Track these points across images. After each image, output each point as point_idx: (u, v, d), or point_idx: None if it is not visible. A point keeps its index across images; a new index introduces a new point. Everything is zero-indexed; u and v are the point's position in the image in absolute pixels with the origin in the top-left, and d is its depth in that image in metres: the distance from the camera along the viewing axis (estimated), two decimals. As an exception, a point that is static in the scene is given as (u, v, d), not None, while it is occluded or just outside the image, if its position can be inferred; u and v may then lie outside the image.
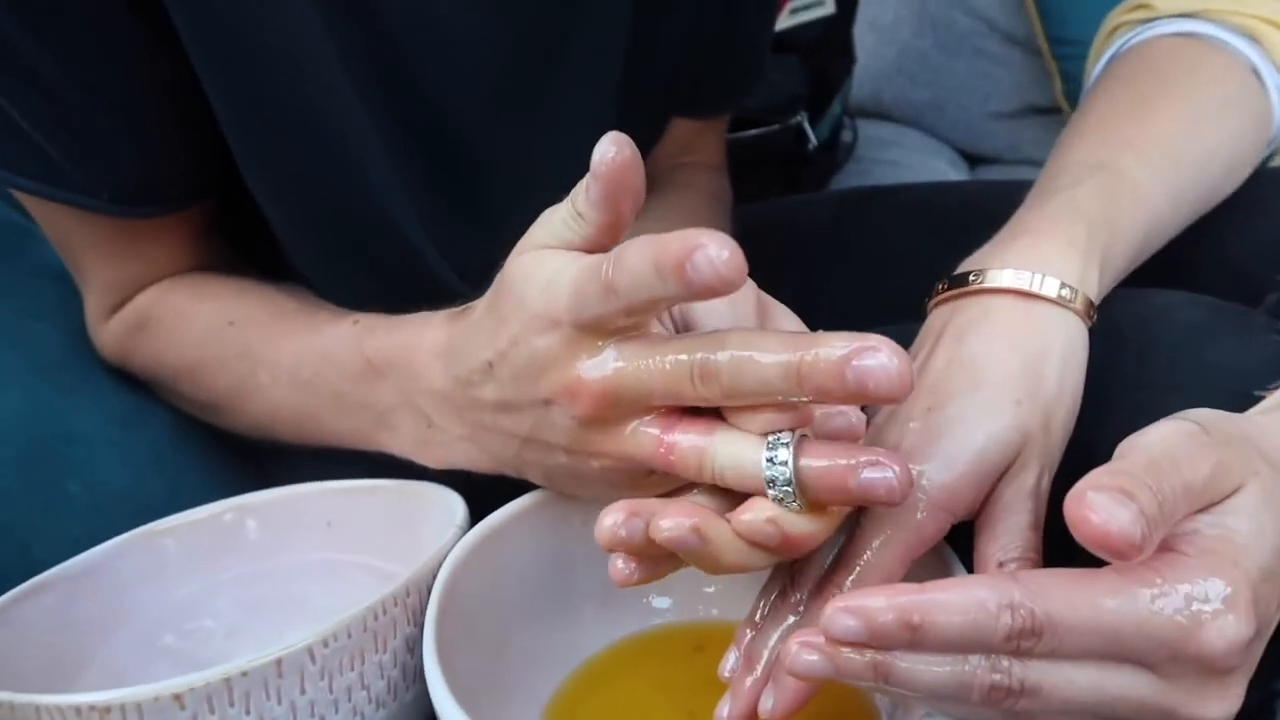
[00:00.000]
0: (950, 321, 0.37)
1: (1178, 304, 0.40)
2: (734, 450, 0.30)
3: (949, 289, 0.39)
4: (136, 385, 0.55)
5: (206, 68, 0.44)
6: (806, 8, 0.94)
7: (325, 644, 0.32)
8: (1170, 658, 0.26)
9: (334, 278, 0.51)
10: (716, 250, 0.27)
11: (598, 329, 0.32)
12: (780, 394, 0.29)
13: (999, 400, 0.34)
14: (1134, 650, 0.26)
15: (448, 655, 0.33)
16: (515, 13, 0.48)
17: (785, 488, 0.30)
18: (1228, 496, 0.27)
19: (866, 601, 0.26)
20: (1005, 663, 0.26)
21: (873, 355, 0.27)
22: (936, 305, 0.39)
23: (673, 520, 0.29)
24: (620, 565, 0.31)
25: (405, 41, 0.46)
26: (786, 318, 0.37)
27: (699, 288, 0.28)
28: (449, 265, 0.51)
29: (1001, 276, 0.37)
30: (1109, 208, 0.39)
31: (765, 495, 0.30)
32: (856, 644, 0.26)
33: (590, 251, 0.33)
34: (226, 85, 0.44)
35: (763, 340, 0.29)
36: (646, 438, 0.32)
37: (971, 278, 0.38)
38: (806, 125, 0.95)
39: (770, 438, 0.30)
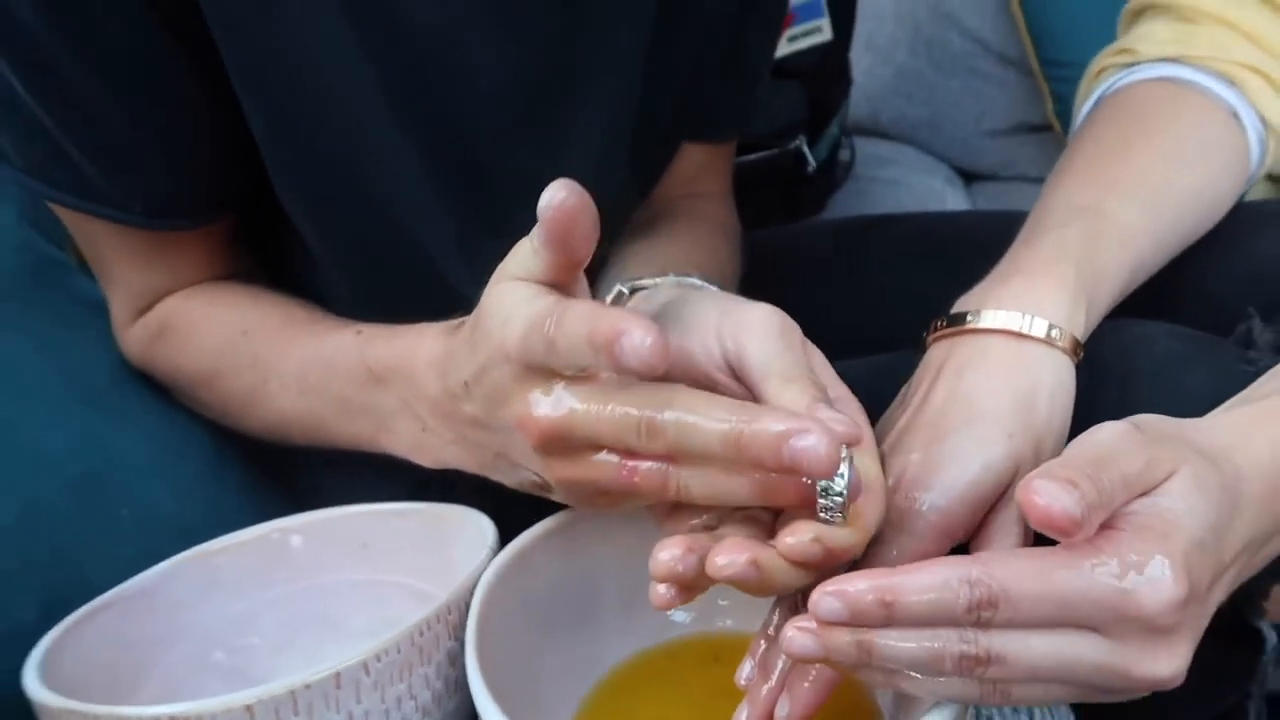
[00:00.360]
0: (949, 358, 0.40)
1: (1157, 335, 0.44)
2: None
3: (947, 327, 0.42)
4: (175, 412, 0.58)
5: (247, 91, 0.47)
6: (805, 35, 0.97)
7: (378, 658, 0.35)
8: (1115, 619, 0.29)
9: (363, 288, 0.54)
10: (640, 338, 0.31)
11: (547, 372, 0.34)
12: (720, 458, 0.32)
13: (993, 434, 0.38)
14: (1082, 614, 0.29)
15: (488, 666, 0.36)
16: (536, 40, 0.50)
17: (837, 499, 0.33)
18: (1161, 483, 0.31)
19: (847, 585, 0.29)
20: (971, 634, 0.29)
21: (805, 438, 0.30)
22: (935, 340, 0.42)
23: (728, 557, 0.32)
24: (663, 592, 0.33)
25: (434, 68, 0.49)
26: (820, 362, 0.39)
27: (624, 368, 0.31)
28: (472, 279, 0.54)
29: (995, 318, 0.40)
30: (1095, 250, 0.43)
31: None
32: (841, 624, 0.30)
33: (551, 285, 0.35)
34: (266, 108, 0.47)
35: (708, 407, 0.32)
36: (607, 464, 0.34)
37: (969, 317, 0.41)
38: (805, 148, 0.98)
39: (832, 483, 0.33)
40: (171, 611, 0.47)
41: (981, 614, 0.29)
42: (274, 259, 0.58)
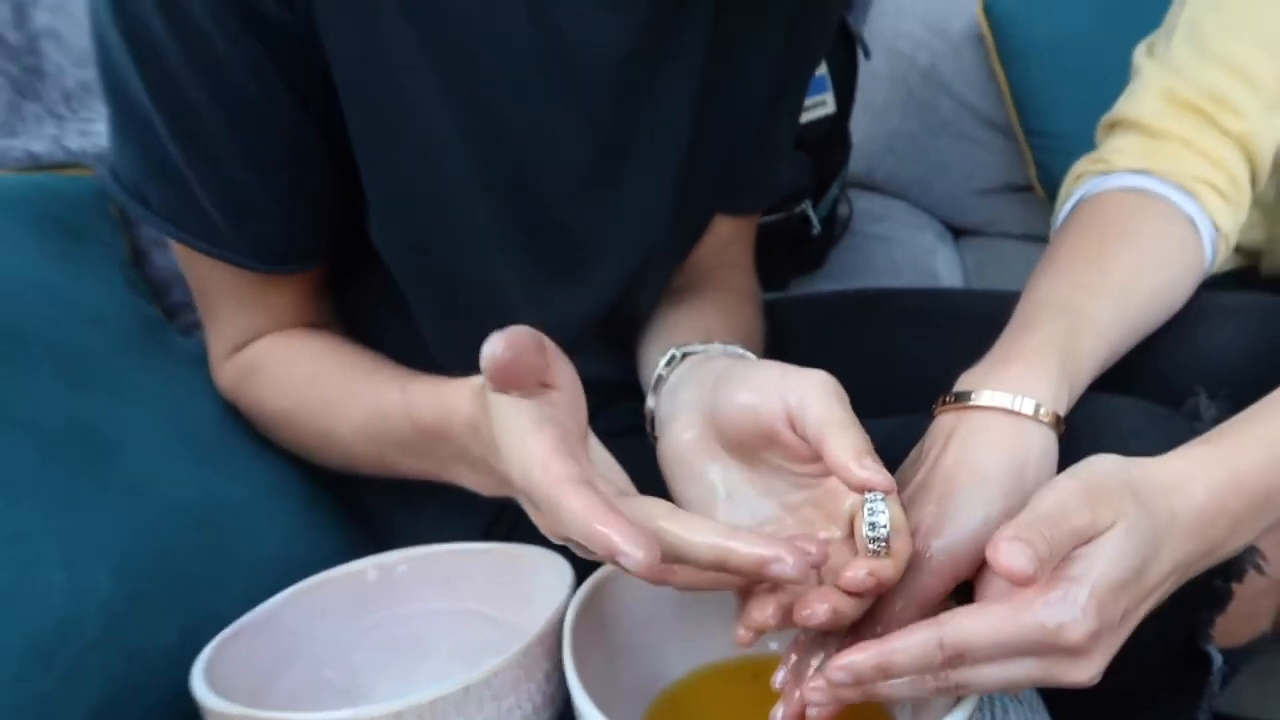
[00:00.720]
0: (956, 428, 0.49)
1: (1120, 408, 0.52)
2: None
3: (953, 402, 0.50)
4: (272, 460, 0.66)
5: (365, 152, 0.55)
6: (811, 108, 1.06)
7: (496, 676, 0.44)
8: (1046, 650, 0.39)
9: (443, 326, 0.62)
10: (631, 552, 0.37)
11: None
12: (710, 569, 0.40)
13: (992, 494, 0.46)
14: (1022, 650, 0.39)
15: (585, 679, 0.44)
16: (600, 115, 0.58)
17: (882, 538, 0.42)
18: (1102, 533, 0.40)
19: (854, 659, 0.40)
20: (944, 674, 0.40)
21: (780, 564, 0.39)
22: (943, 412, 0.51)
23: (811, 609, 0.41)
24: (744, 634, 0.43)
25: (514, 137, 0.57)
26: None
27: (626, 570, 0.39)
28: (540, 320, 0.62)
29: (995, 397, 0.49)
30: (1075, 344, 0.52)
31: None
32: (850, 685, 0.40)
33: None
34: (379, 167, 0.55)
35: (697, 531, 0.40)
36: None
37: (973, 395, 0.50)
38: (810, 212, 1.08)
39: (868, 507, 0.42)
40: (287, 636, 0.55)
41: (950, 664, 0.39)
42: (350, 308, 0.66)
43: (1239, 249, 0.90)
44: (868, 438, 0.44)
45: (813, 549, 0.40)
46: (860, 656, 0.39)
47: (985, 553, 0.38)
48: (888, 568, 0.42)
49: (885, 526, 0.42)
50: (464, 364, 0.52)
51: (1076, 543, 0.39)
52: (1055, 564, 0.39)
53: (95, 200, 0.80)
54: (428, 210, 0.57)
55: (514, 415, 0.43)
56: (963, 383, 0.51)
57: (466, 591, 0.58)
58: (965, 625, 0.39)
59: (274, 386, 0.62)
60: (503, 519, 0.66)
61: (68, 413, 0.57)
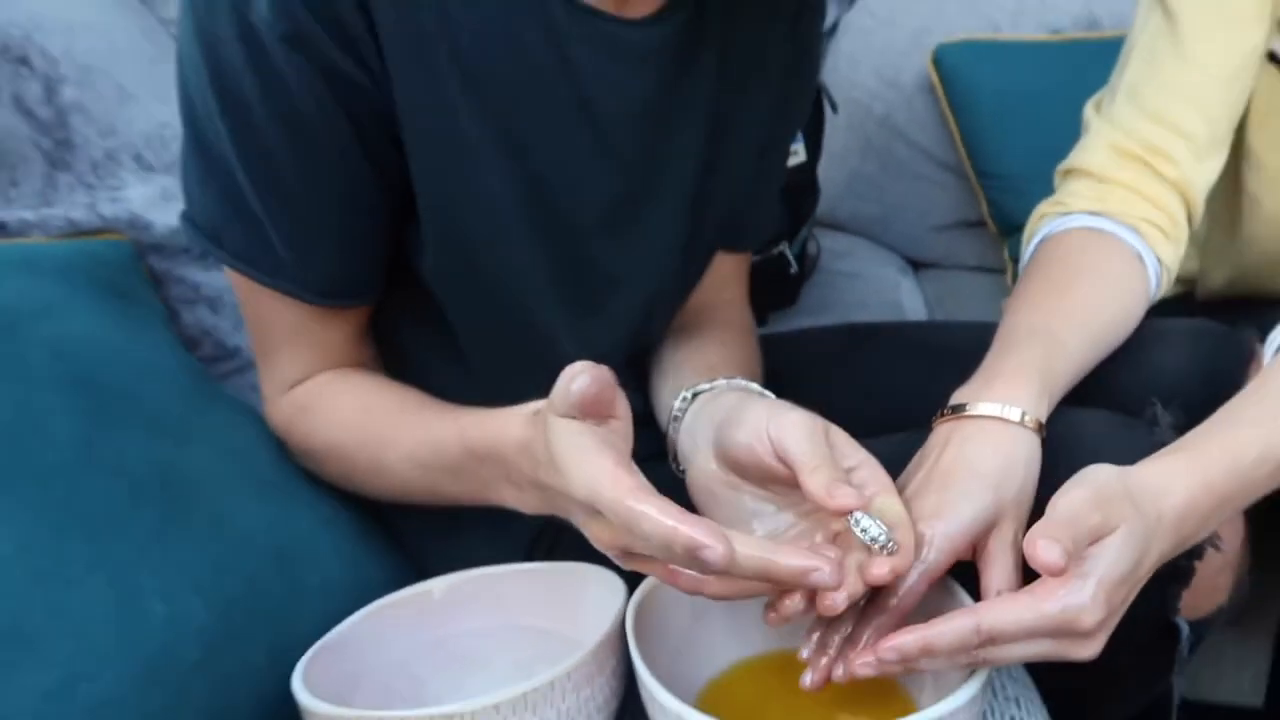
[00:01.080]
0: (953, 434, 0.57)
1: (1090, 419, 0.61)
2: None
3: (950, 413, 0.59)
4: (324, 495, 0.71)
5: (426, 195, 0.62)
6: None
7: (573, 672, 0.50)
8: (1062, 634, 0.47)
9: (489, 353, 0.69)
10: (714, 545, 0.43)
11: None
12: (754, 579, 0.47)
13: (985, 486, 0.54)
14: (1043, 633, 0.47)
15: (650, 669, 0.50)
16: (623, 160, 0.66)
17: (880, 542, 0.49)
18: (1108, 534, 0.48)
19: (902, 642, 0.47)
20: (975, 653, 0.47)
21: (820, 574, 0.46)
22: (941, 423, 0.59)
23: (833, 599, 0.48)
24: (775, 617, 0.50)
25: (551, 181, 0.65)
26: (842, 438, 0.55)
27: (706, 569, 0.44)
28: (574, 344, 0.70)
29: (987, 408, 0.57)
30: (1050, 363, 0.60)
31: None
32: (897, 662, 0.47)
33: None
34: (437, 208, 0.62)
35: (743, 546, 0.45)
36: (656, 565, 0.49)
37: (967, 407, 0.58)
38: (788, 252, 1.16)
39: (859, 528, 0.49)
40: (361, 653, 0.61)
41: (982, 645, 0.47)
42: (399, 350, 0.73)
43: (1177, 279, 1.00)
44: (837, 467, 0.52)
45: (850, 501, 0.49)
46: (909, 639, 0.47)
47: (1023, 549, 0.46)
48: (901, 561, 0.50)
49: (876, 535, 0.50)
50: (506, 388, 0.59)
51: (1091, 540, 0.48)
52: (1076, 557, 0.47)
53: (133, 263, 0.86)
54: (477, 245, 0.64)
55: (578, 436, 0.49)
56: (957, 397, 0.59)
57: (522, 608, 0.64)
58: (998, 614, 0.47)
59: (327, 420, 0.67)
60: (540, 544, 0.72)
61: (150, 457, 0.62)
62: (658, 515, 0.44)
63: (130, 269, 0.84)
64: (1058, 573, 0.45)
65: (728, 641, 0.59)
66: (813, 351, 0.86)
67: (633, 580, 0.58)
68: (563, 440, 0.49)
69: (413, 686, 0.61)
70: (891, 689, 0.56)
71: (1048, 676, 0.61)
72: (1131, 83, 0.76)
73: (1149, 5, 0.78)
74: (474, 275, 0.65)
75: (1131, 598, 0.50)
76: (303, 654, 0.58)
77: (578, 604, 0.62)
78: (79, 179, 0.92)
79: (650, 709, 0.50)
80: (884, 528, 0.50)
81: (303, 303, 0.65)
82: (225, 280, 0.92)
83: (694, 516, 0.44)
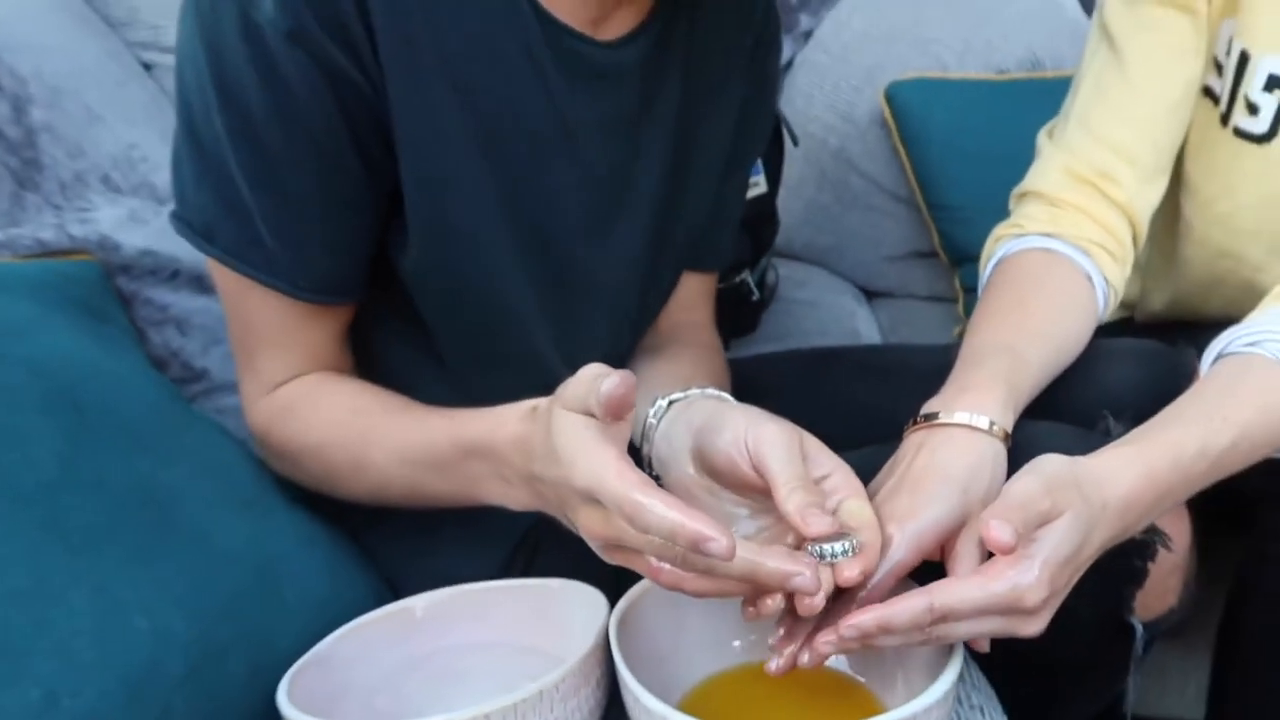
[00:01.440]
0: (926, 441, 0.60)
1: (1049, 430, 0.64)
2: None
3: (923, 422, 0.61)
4: (302, 513, 0.72)
5: (414, 199, 0.64)
6: (748, 188, 1.18)
7: (562, 681, 0.51)
8: (1009, 610, 0.50)
9: (468, 353, 0.71)
10: (718, 537, 0.45)
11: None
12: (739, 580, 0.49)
13: (954, 490, 0.57)
14: (991, 610, 0.50)
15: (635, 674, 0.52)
16: (596, 175, 0.69)
17: (843, 554, 0.51)
18: (1056, 519, 0.51)
19: (860, 620, 0.50)
20: (929, 630, 0.50)
21: (802, 578, 0.48)
22: (914, 431, 0.62)
23: (810, 600, 0.50)
24: (753, 612, 0.52)
25: (531, 191, 0.67)
26: (815, 445, 0.57)
27: (703, 559, 0.47)
28: (549, 343, 0.72)
29: (957, 416, 0.60)
30: (1013, 376, 0.64)
31: None
32: (856, 639, 0.50)
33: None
34: (424, 211, 0.64)
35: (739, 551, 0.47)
36: (641, 559, 0.50)
37: (941, 415, 0.61)
38: (750, 280, 1.19)
39: (826, 549, 0.51)
40: (344, 669, 0.61)
41: (935, 623, 0.50)
42: (383, 361, 0.74)
43: (1120, 303, 1.04)
44: (811, 487, 0.53)
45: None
46: (867, 618, 0.50)
47: (980, 526, 0.49)
48: (868, 562, 0.52)
49: (838, 554, 0.52)
50: (484, 392, 0.61)
51: (1039, 524, 0.51)
52: (1026, 539, 0.50)
53: (103, 283, 0.86)
54: (460, 245, 0.66)
55: (583, 429, 0.51)
56: (928, 407, 0.62)
57: (503, 624, 0.65)
58: (950, 593, 0.50)
59: (309, 419, 0.68)
60: (516, 561, 0.73)
61: (131, 474, 0.62)
62: (664, 508, 0.46)
63: (101, 289, 0.84)
64: (1008, 551, 0.48)
65: (705, 654, 0.60)
66: (775, 375, 0.88)
67: (611, 594, 0.60)
68: (567, 431, 0.51)
69: (396, 703, 0.62)
70: (865, 697, 0.59)
71: (1009, 681, 0.63)
72: (1082, 110, 0.81)
73: (1097, 38, 0.83)
74: (455, 275, 0.67)
75: (1075, 580, 0.53)
76: (284, 671, 0.58)
77: (559, 620, 0.63)
78: (47, 199, 0.92)
79: (635, 714, 0.51)
80: (845, 546, 0.52)
81: (291, 300, 0.66)
82: (193, 302, 0.93)
83: (696, 510, 0.46)
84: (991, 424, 0.60)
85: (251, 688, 0.59)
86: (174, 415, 0.72)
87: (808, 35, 1.54)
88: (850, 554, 0.52)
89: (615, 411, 0.50)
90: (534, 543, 0.74)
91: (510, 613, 0.65)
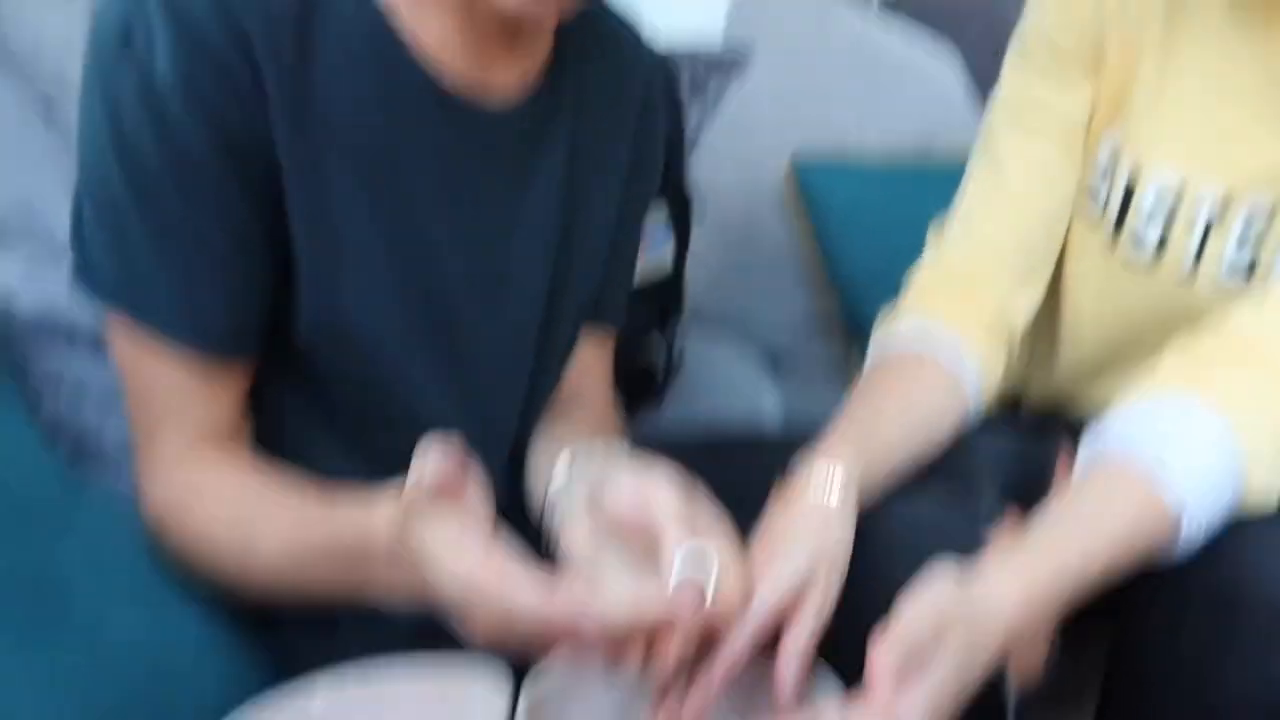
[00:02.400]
0: (778, 505, 0.65)
1: (918, 510, 0.69)
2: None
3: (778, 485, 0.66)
4: (198, 601, 0.70)
5: (305, 253, 0.65)
6: (653, 260, 1.21)
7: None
8: None
9: (356, 416, 0.71)
10: (584, 627, 0.51)
11: None
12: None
13: (801, 549, 0.61)
14: None
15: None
16: (482, 238, 0.71)
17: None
18: (944, 654, 0.55)
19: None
20: None
21: (682, 597, 0.53)
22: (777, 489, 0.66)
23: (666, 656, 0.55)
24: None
25: (422, 251, 0.69)
26: (702, 505, 0.61)
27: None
28: (440, 399, 0.73)
29: (809, 474, 0.65)
30: (866, 442, 0.70)
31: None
32: None
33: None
34: (314, 264, 0.65)
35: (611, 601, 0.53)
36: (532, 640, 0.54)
37: (792, 475, 0.66)
38: (655, 351, 1.22)
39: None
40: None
41: None
42: (272, 423, 0.73)
43: (1003, 394, 1.10)
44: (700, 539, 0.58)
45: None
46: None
47: (869, 654, 0.54)
48: (716, 615, 0.57)
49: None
50: (383, 457, 0.63)
51: (921, 661, 0.55)
52: (909, 669, 0.55)
53: (-3, 350, 0.83)
54: (350, 308, 0.68)
55: (440, 530, 0.54)
56: (789, 469, 0.67)
57: (401, 712, 0.64)
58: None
59: (196, 512, 0.67)
60: (424, 634, 0.73)
61: (20, 554, 0.61)
62: (533, 606, 0.51)
63: (-7, 356, 0.81)
64: (889, 684, 0.53)
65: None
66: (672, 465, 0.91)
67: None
68: (425, 543, 0.54)
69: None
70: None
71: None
72: (965, 210, 0.87)
73: (980, 149, 0.88)
74: (347, 339, 0.68)
75: (961, 700, 0.57)
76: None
77: (463, 702, 0.63)
78: (-66, 257, 0.89)
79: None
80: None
81: (191, 359, 0.65)
82: (91, 367, 0.90)
83: (563, 594, 0.51)
84: (842, 474, 0.65)
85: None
86: (66, 493, 0.70)
87: (716, 103, 1.58)
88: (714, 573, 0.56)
89: (448, 491, 0.52)
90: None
91: (410, 700, 0.64)
